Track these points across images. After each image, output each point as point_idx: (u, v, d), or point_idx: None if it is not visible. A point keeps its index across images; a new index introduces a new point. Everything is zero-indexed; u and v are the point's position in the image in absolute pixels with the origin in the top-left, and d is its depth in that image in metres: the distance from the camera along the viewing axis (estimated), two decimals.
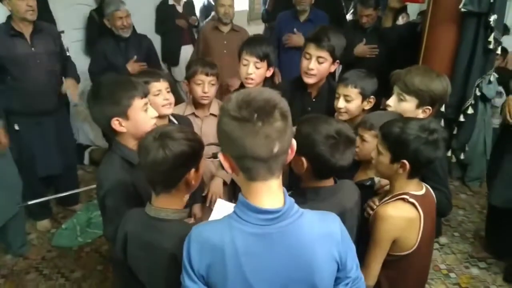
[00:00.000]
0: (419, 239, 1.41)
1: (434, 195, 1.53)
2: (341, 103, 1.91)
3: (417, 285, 1.60)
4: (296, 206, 0.99)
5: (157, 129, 1.28)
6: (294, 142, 0.99)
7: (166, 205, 1.25)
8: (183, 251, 1.01)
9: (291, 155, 0.99)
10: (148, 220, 1.25)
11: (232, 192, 2.22)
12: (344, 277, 1.06)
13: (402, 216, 1.38)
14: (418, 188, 1.45)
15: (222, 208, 1.55)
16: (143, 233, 1.25)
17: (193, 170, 1.26)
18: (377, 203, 1.55)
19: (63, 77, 3.06)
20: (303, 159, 1.30)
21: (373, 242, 1.41)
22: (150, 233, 1.23)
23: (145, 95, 1.53)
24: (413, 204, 1.39)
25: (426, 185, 1.51)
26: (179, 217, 1.27)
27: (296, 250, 0.96)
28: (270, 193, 0.96)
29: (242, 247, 0.94)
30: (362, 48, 3.31)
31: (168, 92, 1.90)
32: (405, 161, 1.37)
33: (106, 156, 1.57)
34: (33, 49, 2.79)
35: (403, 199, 1.40)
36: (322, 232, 1.00)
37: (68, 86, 3.00)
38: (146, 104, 1.52)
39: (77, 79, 3.12)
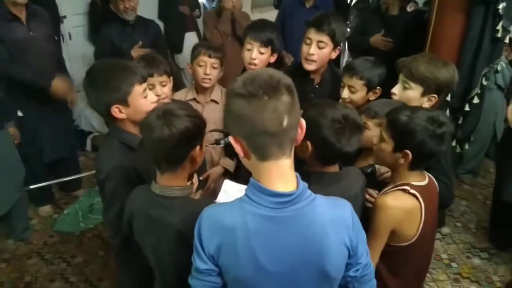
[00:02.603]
0: (419, 230, 1.39)
1: (437, 185, 1.51)
2: (345, 94, 1.88)
3: (417, 275, 1.58)
4: (309, 190, 0.99)
5: (159, 107, 1.27)
6: (303, 120, 0.98)
7: (172, 183, 1.25)
8: (194, 232, 1.01)
9: (301, 134, 0.98)
10: (154, 197, 1.25)
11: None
12: (355, 263, 1.06)
13: (401, 207, 1.36)
14: (421, 179, 1.42)
15: (229, 188, 1.56)
16: (149, 210, 1.26)
17: (197, 147, 1.26)
18: (373, 194, 1.53)
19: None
20: (308, 143, 1.28)
21: (371, 232, 1.39)
22: (156, 210, 1.24)
23: (144, 79, 1.48)
24: (414, 195, 1.37)
25: (429, 175, 1.49)
26: (184, 193, 1.28)
27: (307, 234, 0.96)
28: (283, 175, 0.96)
29: (254, 229, 0.94)
30: (376, 38, 3.20)
31: (163, 86, 1.85)
32: (408, 151, 1.34)
33: (104, 141, 1.55)
34: (31, 33, 2.73)
35: (403, 190, 1.38)
36: (334, 217, 1.00)
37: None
38: (145, 89, 1.49)
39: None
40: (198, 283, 1.03)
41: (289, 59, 3.15)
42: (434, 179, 1.51)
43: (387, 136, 1.40)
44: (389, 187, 1.44)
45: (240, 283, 0.99)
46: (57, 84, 2.74)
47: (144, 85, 1.48)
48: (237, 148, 0.97)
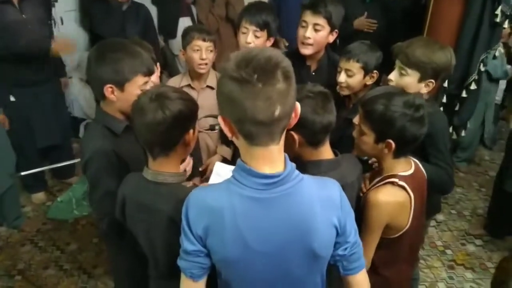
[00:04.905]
0: (410, 220, 1.38)
1: (424, 171, 1.49)
2: (342, 78, 1.85)
3: (409, 262, 1.58)
4: (296, 171, 0.98)
5: (151, 90, 1.25)
6: (298, 104, 0.95)
7: (164, 169, 1.24)
8: (182, 215, 1.01)
9: (295, 119, 0.96)
10: (146, 183, 1.24)
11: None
12: (343, 241, 1.06)
13: (393, 202, 1.34)
14: (407, 167, 1.40)
15: (221, 170, 1.57)
16: (141, 196, 1.25)
17: (191, 131, 1.25)
18: (367, 184, 1.51)
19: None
20: (293, 133, 1.26)
21: (365, 228, 1.37)
22: (148, 196, 1.23)
23: (150, 73, 1.46)
24: (403, 187, 1.35)
25: (415, 160, 1.46)
26: (177, 180, 1.27)
27: (294, 214, 0.96)
28: (271, 159, 0.94)
29: (241, 210, 0.94)
30: (361, 21, 3.16)
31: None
32: (390, 140, 1.32)
33: (89, 125, 1.53)
34: (23, 15, 2.69)
35: (392, 182, 1.35)
36: (322, 197, 0.99)
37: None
38: (146, 82, 1.46)
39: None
40: (186, 264, 1.04)
41: (283, 44, 3.09)
42: (434, 166, 1.50)
43: (366, 128, 1.36)
44: (377, 180, 1.42)
45: (228, 263, 1.00)
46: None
47: (147, 78, 1.46)
48: (225, 129, 0.95)
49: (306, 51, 1.96)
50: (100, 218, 1.49)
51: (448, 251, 2.76)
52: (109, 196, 1.39)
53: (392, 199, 1.34)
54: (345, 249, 1.07)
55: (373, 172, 1.54)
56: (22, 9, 2.69)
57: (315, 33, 1.91)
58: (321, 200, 0.99)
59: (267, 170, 0.93)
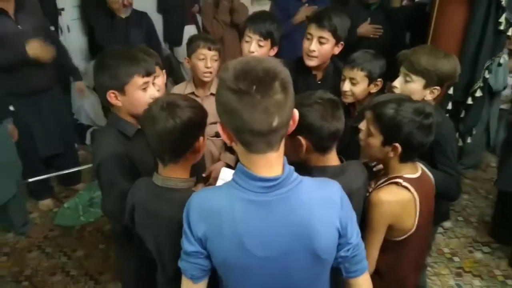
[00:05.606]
0: (416, 223, 1.38)
1: (431, 177, 1.49)
2: (346, 86, 1.86)
3: (415, 268, 1.57)
4: (295, 173, 0.98)
5: (161, 98, 1.27)
6: (296, 112, 0.96)
7: (174, 175, 1.26)
8: (183, 216, 1.03)
9: (292, 126, 0.97)
10: (156, 189, 1.26)
11: None
12: (345, 243, 1.06)
13: (395, 201, 1.34)
14: (413, 171, 1.41)
15: (227, 176, 1.58)
16: (151, 202, 1.26)
17: (201, 138, 1.27)
18: (373, 185, 1.51)
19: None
20: (300, 138, 1.27)
21: (368, 229, 1.37)
22: (158, 202, 1.25)
23: (147, 73, 1.49)
24: (406, 187, 1.35)
25: (423, 166, 1.47)
26: (187, 186, 1.28)
27: (294, 217, 0.96)
28: (269, 165, 0.95)
29: (240, 213, 0.95)
30: (366, 28, 3.14)
31: (155, 78, 1.82)
32: (397, 144, 1.33)
33: (102, 129, 1.56)
34: (19, 27, 2.67)
35: (396, 183, 1.36)
36: (321, 198, 1.00)
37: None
38: (146, 83, 1.49)
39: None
40: (187, 265, 1.05)
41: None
42: (442, 172, 1.50)
43: (375, 130, 1.38)
44: (381, 182, 1.43)
45: (227, 267, 1.01)
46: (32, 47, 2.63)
47: (146, 78, 1.49)
48: (223, 136, 0.97)
49: (311, 62, 1.97)
50: (116, 220, 1.49)
51: (456, 258, 2.74)
52: (125, 197, 1.40)
53: (394, 198, 1.35)
54: (347, 250, 1.06)
55: (379, 176, 1.55)
56: (18, 20, 2.68)
57: (320, 45, 1.92)
58: (321, 202, 0.99)
59: (265, 173, 0.94)
